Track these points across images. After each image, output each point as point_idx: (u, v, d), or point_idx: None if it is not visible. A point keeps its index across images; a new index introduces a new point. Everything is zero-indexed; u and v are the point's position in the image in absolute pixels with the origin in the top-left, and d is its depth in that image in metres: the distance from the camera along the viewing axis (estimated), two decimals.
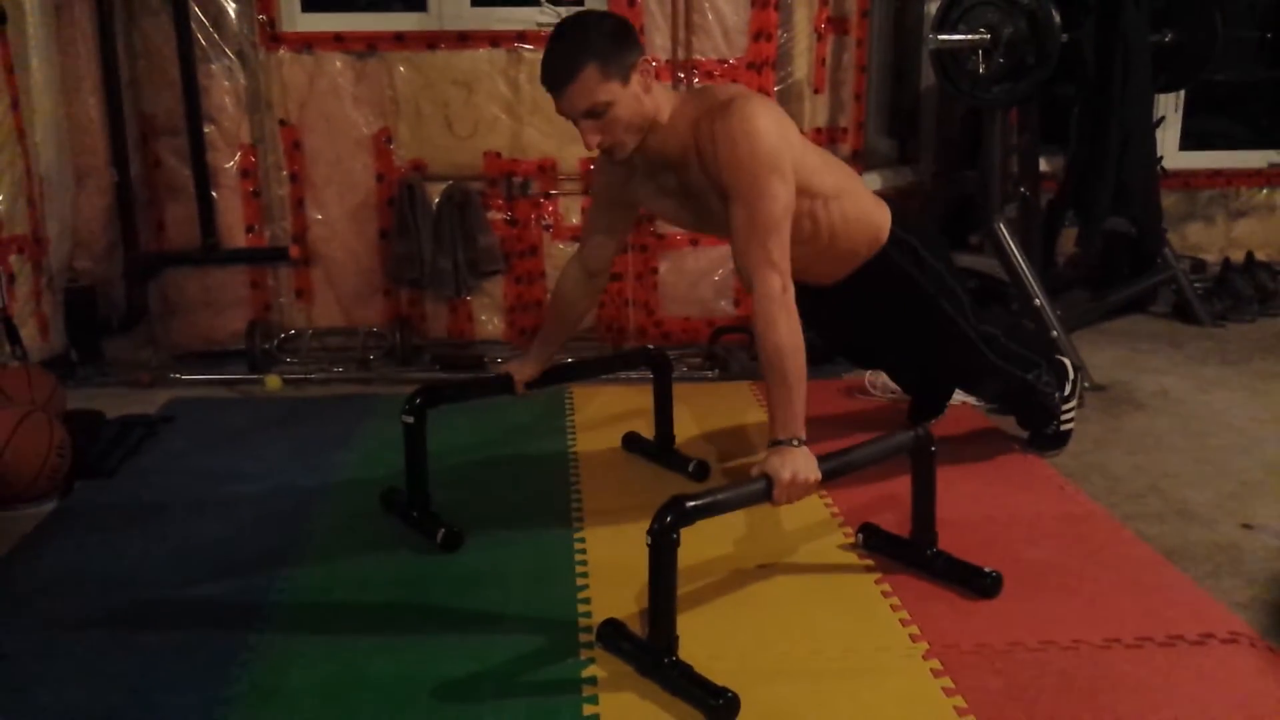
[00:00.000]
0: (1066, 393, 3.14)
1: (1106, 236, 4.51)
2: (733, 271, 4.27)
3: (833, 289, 2.77)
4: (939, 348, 2.93)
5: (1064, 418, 3.15)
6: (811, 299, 2.53)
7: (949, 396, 3.44)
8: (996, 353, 2.94)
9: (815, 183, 2.52)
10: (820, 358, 3.72)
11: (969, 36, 3.85)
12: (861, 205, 2.68)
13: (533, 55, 4.03)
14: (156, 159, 4.03)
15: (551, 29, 2.38)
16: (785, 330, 2.28)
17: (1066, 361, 3.22)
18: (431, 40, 4.01)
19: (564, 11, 4.03)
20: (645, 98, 2.35)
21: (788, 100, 4.21)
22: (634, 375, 3.40)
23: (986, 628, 2.24)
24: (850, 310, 2.65)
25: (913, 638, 2.20)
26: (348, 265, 4.17)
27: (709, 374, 3.98)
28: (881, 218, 2.72)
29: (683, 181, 2.51)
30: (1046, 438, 3.17)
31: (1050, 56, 3.75)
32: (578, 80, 2.27)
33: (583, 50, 2.26)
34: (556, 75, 2.30)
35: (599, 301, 2.93)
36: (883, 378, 3.62)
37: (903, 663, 2.12)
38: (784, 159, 2.35)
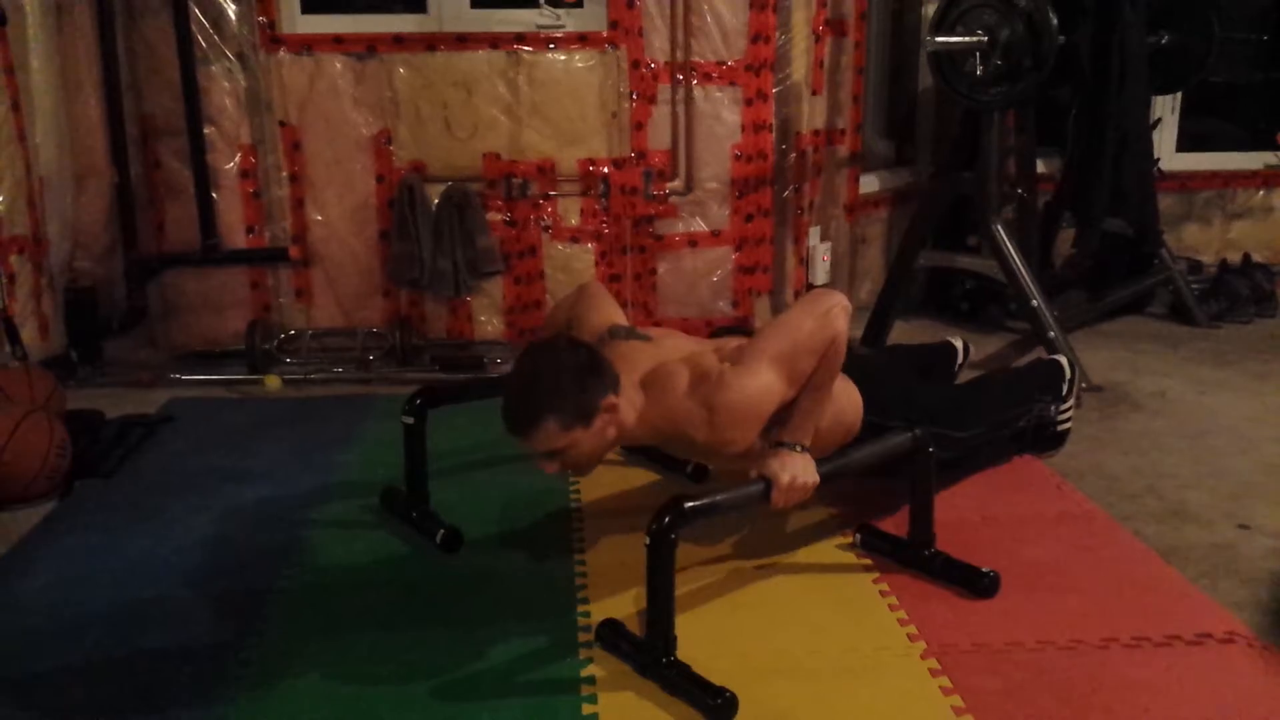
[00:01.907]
0: (1063, 393, 3.15)
1: (1104, 238, 4.51)
2: (731, 272, 4.29)
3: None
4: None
5: (1061, 418, 3.16)
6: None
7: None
8: (984, 437, 2.94)
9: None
10: None
11: (967, 38, 3.85)
12: (837, 404, 2.51)
13: (532, 57, 4.03)
14: (156, 160, 4.03)
15: (515, 365, 2.26)
16: (840, 342, 2.27)
17: (1062, 360, 3.23)
18: (431, 42, 4.02)
19: (563, 13, 4.05)
20: (609, 430, 2.22)
21: (786, 101, 4.22)
22: None
23: (984, 627, 2.24)
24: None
25: (911, 637, 2.21)
26: (347, 266, 4.18)
27: None
28: (853, 411, 2.62)
29: (670, 447, 2.49)
30: (1043, 439, 3.18)
31: (1047, 58, 3.75)
32: (537, 433, 2.15)
33: (542, 405, 2.12)
34: (515, 424, 2.18)
35: None
36: None
37: (901, 662, 2.13)
38: (760, 375, 2.25)
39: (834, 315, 2.26)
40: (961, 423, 2.83)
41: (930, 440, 2.41)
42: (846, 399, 2.57)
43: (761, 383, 2.24)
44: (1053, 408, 3.11)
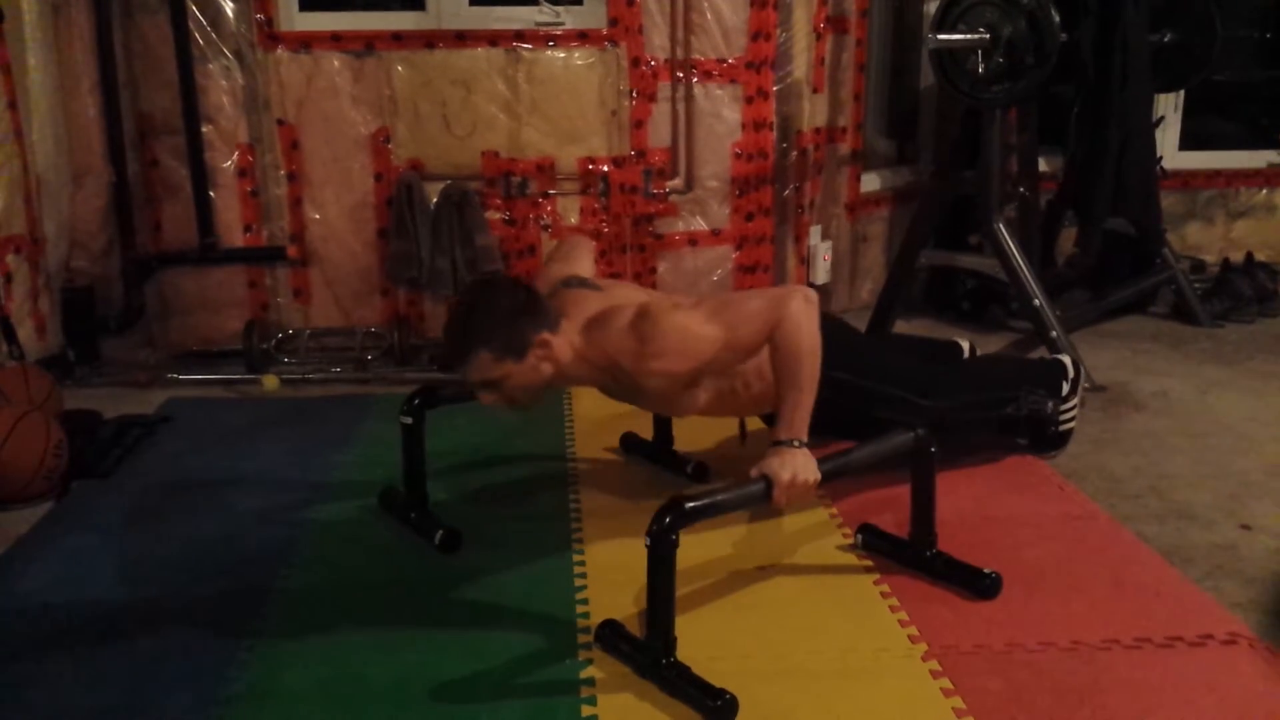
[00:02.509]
0: (1064, 393, 3.13)
1: (1106, 237, 4.50)
2: (731, 271, 4.27)
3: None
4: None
5: (1063, 418, 3.14)
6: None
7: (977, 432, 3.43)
8: (963, 414, 2.95)
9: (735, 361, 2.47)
10: None
11: (968, 36, 3.84)
12: (746, 373, 2.57)
13: (531, 55, 4.02)
14: (154, 158, 4.02)
15: (456, 299, 2.41)
16: (807, 334, 2.29)
17: (1065, 360, 3.21)
18: (429, 39, 4.00)
19: (562, 11, 4.04)
20: (543, 366, 2.33)
21: (787, 100, 4.21)
22: None
23: (986, 629, 2.23)
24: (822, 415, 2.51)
25: (912, 639, 2.20)
26: (346, 265, 4.17)
27: None
28: (761, 384, 2.62)
29: (615, 389, 2.54)
30: (1046, 439, 3.17)
31: (1049, 56, 3.74)
32: (470, 364, 2.30)
33: (476, 337, 2.28)
34: (451, 356, 2.35)
35: None
36: None
37: (902, 664, 2.12)
38: (695, 323, 2.35)
39: (787, 298, 2.30)
40: (929, 393, 2.87)
41: (930, 441, 2.39)
42: (756, 369, 2.56)
43: (694, 323, 2.34)
44: (1050, 404, 3.08)
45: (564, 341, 2.36)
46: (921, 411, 2.82)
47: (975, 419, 3.01)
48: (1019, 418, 3.06)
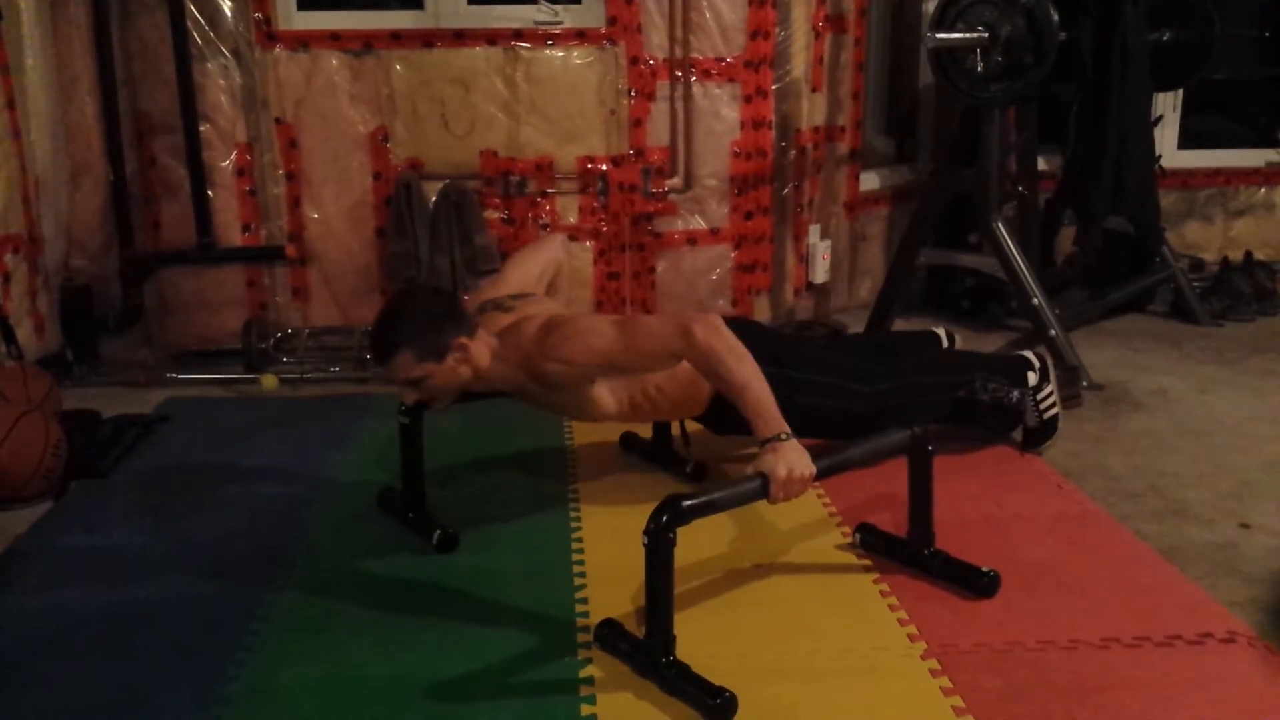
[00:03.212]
0: (1033, 384, 3.12)
1: (1105, 235, 4.50)
2: (730, 270, 4.27)
3: (712, 409, 2.79)
4: (832, 427, 2.89)
5: (1043, 406, 3.13)
6: (711, 421, 2.88)
7: (934, 414, 3.43)
8: (901, 397, 2.95)
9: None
10: None
11: (967, 35, 3.84)
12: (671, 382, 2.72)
13: (530, 54, 4.02)
14: (152, 157, 4.02)
15: (384, 303, 2.59)
16: (724, 349, 2.32)
17: (1027, 355, 3.19)
18: (428, 38, 4.00)
19: (561, 10, 4.04)
20: (462, 368, 2.51)
21: (785, 98, 4.21)
22: None
23: (984, 627, 2.23)
24: (736, 420, 2.50)
25: (911, 637, 2.20)
26: (344, 264, 4.17)
27: None
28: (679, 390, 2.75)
29: (531, 397, 2.68)
30: (1032, 432, 3.16)
31: (1048, 55, 3.74)
32: (393, 363, 2.47)
33: (399, 337, 2.45)
34: (376, 354, 2.54)
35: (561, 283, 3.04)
36: None
37: (901, 662, 2.12)
38: (589, 324, 2.56)
39: (689, 322, 2.37)
40: (869, 378, 2.95)
41: (928, 439, 2.39)
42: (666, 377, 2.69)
43: (596, 323, 2.56)
44: (1015, 393, 3.08)
45: (482, 346, 2.54)
46: (859, 396, 2.90)
47: (923, 401, 3.00)
48: (978, 402, 3.05)
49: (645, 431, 3.15)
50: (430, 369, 2.47)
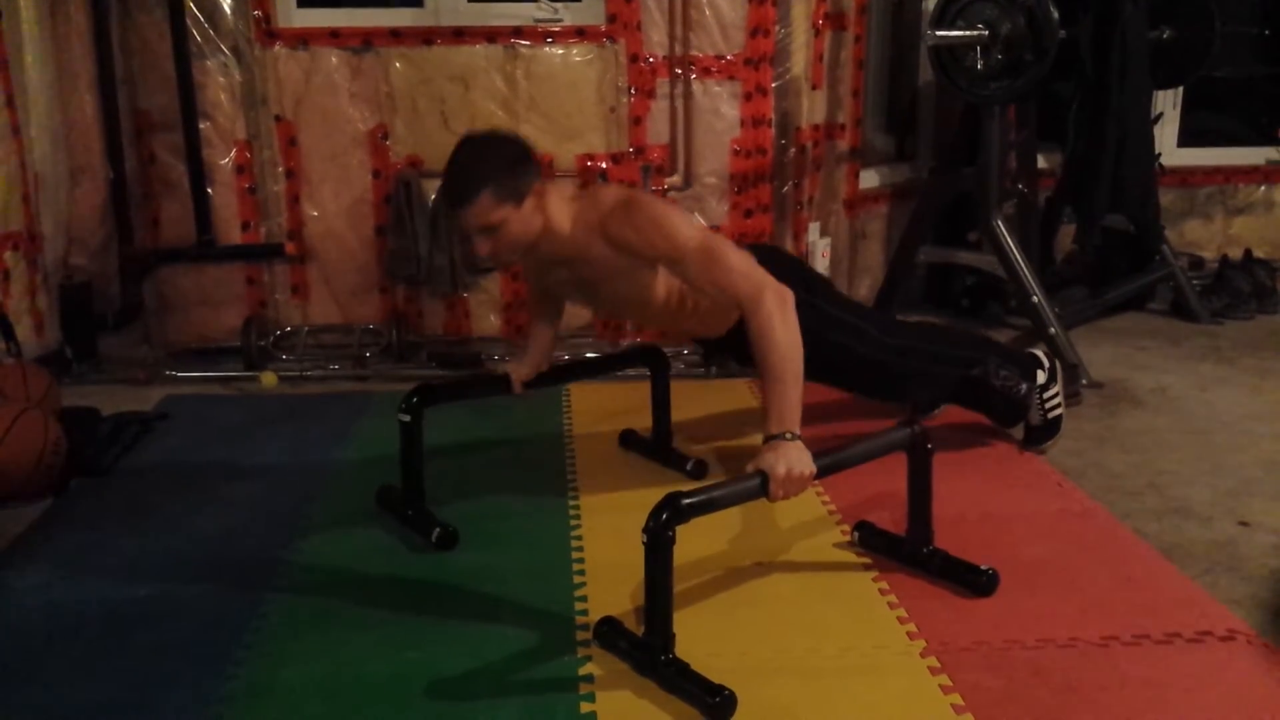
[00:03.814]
0: (1041, 381, 3.13)
1: (1104, 234, 4.50)
2: None
3: (727, 337, 2.82)
4: (845, 373, 2.96)
5: (1049, 405, 3.14)
6: (715, 344, 2.94)
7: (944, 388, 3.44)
8: (916, 360, 2.98)
9: None
10: None
11: (967, 33, 3.84)
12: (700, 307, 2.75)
13: (530, 51, 4.02)
14: (152, 155, 4.02)
15: (457, 144, 2.54)
16: (780, 329, 2.33)
17: (1039, 353, 3.22)
18: (428, 36, 4.00)
19: (560, 7, 4.03)
20: (536, 217, 2.51)
21: (785, 96, 4.21)
22: (631, 373, 3.39)
23: (984, 625, 2.23)
24: (749, 358, 2.59)
25: (910, 635, 2.20)
26: (344, 262, 4.17)
27: (706, 372, 3.98)
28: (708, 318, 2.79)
29: (576, 274, 2.70)
30: (1036, 430, 3.17)
31: (1048, 53, 3.74)
32: (474, 204, 2.43)
33: (479, 176, 2.43)
34: (455, 196, 2.48)
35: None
36: None
37: (900, 660, 2.12)
38: (679, 217, 2.57)
39: (761, 293, 2.38)
40: (892, 332, 2.97)
41: (927, 437, 2.39)
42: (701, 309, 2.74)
43: (683, 223, 2.54)
44: (1023, 386, 3.09)
45: (557, 199, 2.56)
46: (880, 345, 2.91)
47: (934, 371, 3.02)
48: (990, 386, 3.06)
49: (645, 429, 3.15)
50: (507, 213, 2.44)
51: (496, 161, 2.45)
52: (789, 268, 2.59)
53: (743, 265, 2.46)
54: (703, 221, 4.15)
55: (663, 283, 2.66)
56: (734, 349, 2.92)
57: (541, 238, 2.55)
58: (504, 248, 2.52)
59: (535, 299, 3.01)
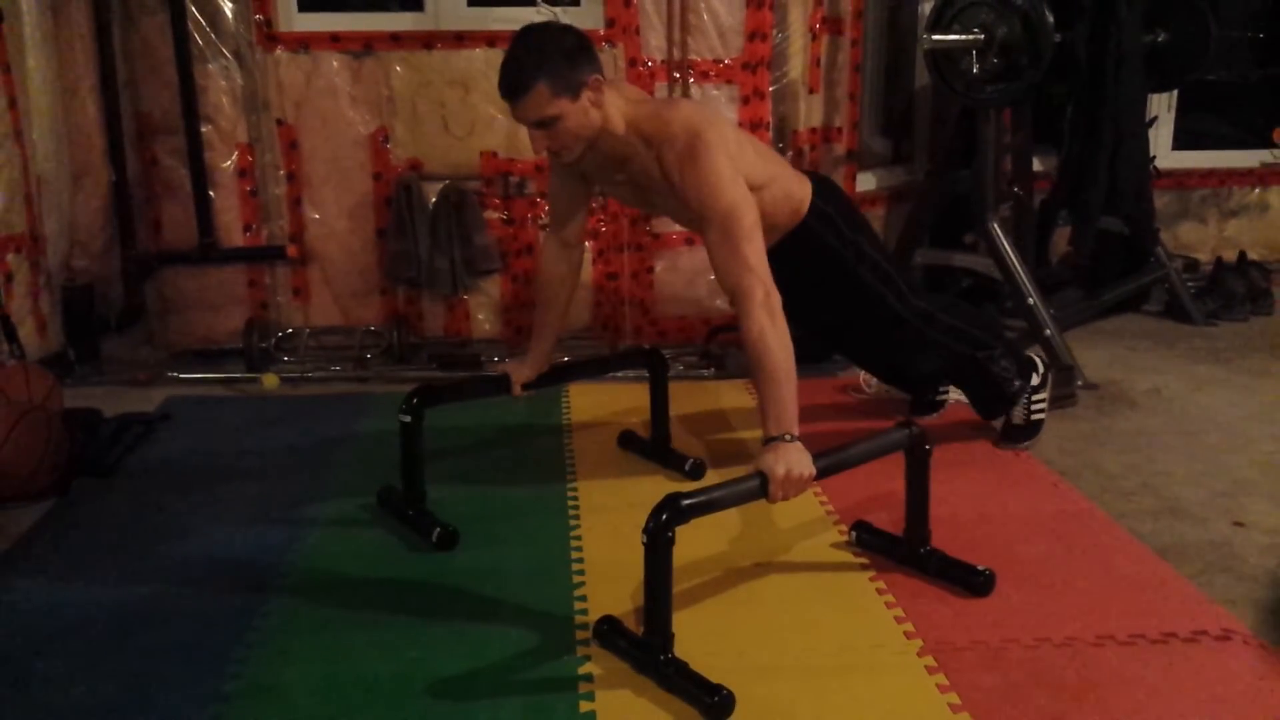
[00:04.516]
0: (1034, 383, 3.16)
1: (1099, 236, 4.52)
2: None
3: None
4: (866, 318, 2.96)
5: (1034, 408, 3.17)
6: None
7: (942, 394, 3.47)
8: (935, 328, 3.00)
9: (753, 178, 2.59)
10: (813, 356, 3.74)
11: (963, 37, 3.86)
12: (788, 186, 2.78)
13: None
14: (154, 158, 4.03)
15: (514, 36, 2.47)
16: (770, 330, 2.33)
17: (1035, 357, 3.25)
18: (428, 40, 4.02)
19: (559, 11, 4.05)
20: (594, 111, 2.46)
21: (783, 100, 4.22)
22: (630, 374, 3.41)
23: (980, 625, 2.25)
24: (780, 282, 2.58)
25: (907, 635, 2.22)
26: (345, 264, 4.18)
27: (705, 373, 3.99)
28: (803, 192, 2.80)
29: (632, 179, 2.65)
30: (1017, 428, 3.20)
31: (1044, 57, 3.76)
32: (530, 95, 2.38)
33: (536, 67, 2.37)
34: (510, 87, 2.42)
35: (579, 280, 3.01)
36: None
37: (897, 660, 2.14)
38: (740, 184, 2.47)
39: (751, 292, 2.35)
40: (914, 290, 2.98)
41: (925, 438, 2.41)
42: (783, 195, 2.73)
43: (731, 175, 2.45)
44: (1016, 384, 3.13)
45: (614, 95, 2.50)
46: (905, 300, 2.91)
47: (948, 343, 3.03)
48: (987, 371, 3.10)
49: (644, 430, 3.17)
50: (564, 106, 2.39)
51: (553, 52, 2.38)
52: (840, 201, 2.62)
53: (752, 259, 2.42)
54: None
55: None
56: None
57: (600, 135, 2.50)
58: (561, 143, 2.46)
59: (542, 297, 2.99)
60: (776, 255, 2.68)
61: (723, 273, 2.45)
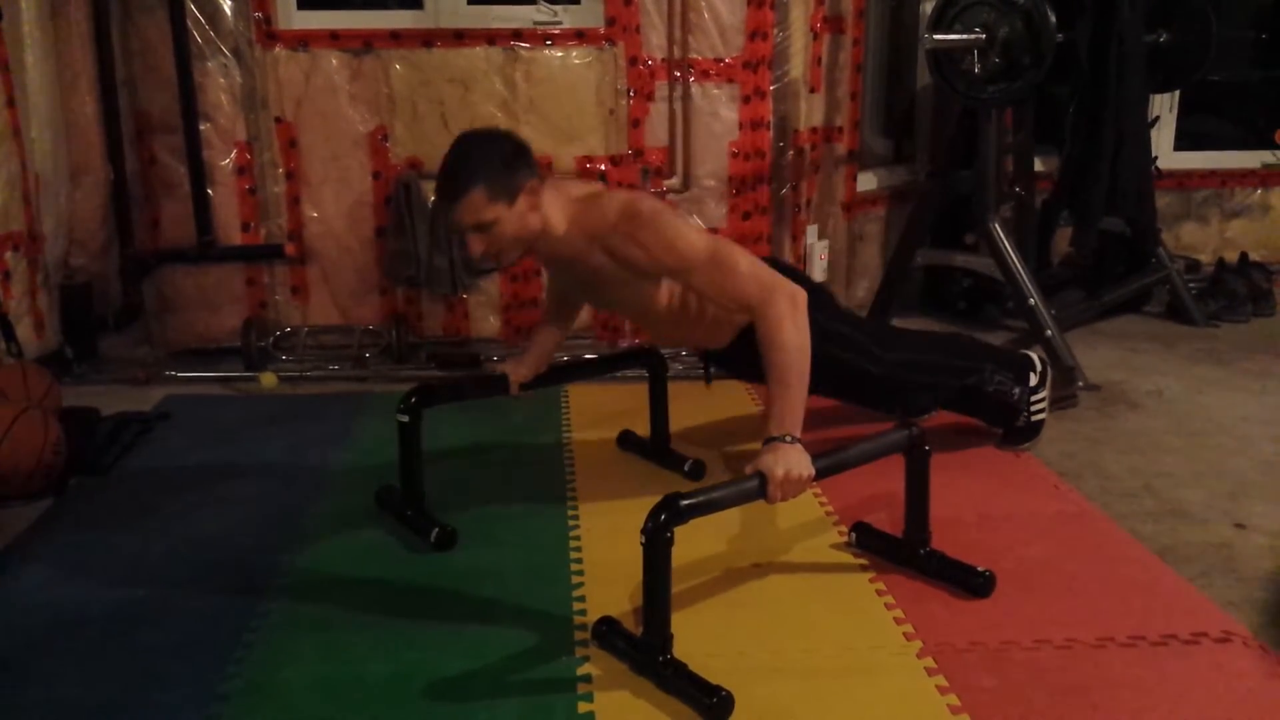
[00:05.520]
0: (1032, 384, 3.15)
1: (1101, 236, 4.52)
2: None
3: (728, 349, 2.83)
4: (844, 387, 2.97)
5: (1034, 409, 3.16)
6: (717, 356, 2.93)
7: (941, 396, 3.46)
8: (919, 373, 2.99)
9: None
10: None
11: (964, 36, 3.85)
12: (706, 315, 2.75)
13: (529, 54, 4.03)
14: (152, 156, 4.03)
15: (454, 141, 2.51)
16: (790, 330, 2.33)
17: (1032, 355, 3.23)
18: (427, 38, 4.01)
19: (560, 10, 4.04)
20: (531, 216, 2.46)
21: (784, 99, 4.22)
22: (629, 374, 3.40)
23: (980, 627, 2.24)
24: (753, 363, 2.56)
25: (906, 636, 2.21)
26: (344, 263, 4.17)
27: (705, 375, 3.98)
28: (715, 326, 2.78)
29: (582, 279, 2.68)
30: (1017, 430, 3.19)
31: (1045, 56, 3.75)
32: (466, 200, 2.39)
33: (472, 173, 2.39)
34: (447, 191, 2.44)
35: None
36: None
37: (897, 661, 2.13)
38: (684, 229, 2.51)
39: (773, 296, 2.38)
40: (886, 343, 2.97)
41: (924, 439, 2.40)
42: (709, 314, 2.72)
43: (689, 233, 2.49)
44: (1016, 390, 3.12)
45: (552, 198, 2.51)
46: (878, 360, 2.91)
47: (934, 381, 3.04)
48: (984, 393, 3.09)
49: (644, 430, 3.16)
50: (500, 211, 2.40)
51: (490, 158, 2.41)
52: (795, 279, 2.57)
53: (752, 268, 2.44)
54: (701, 224, 4.16)
55: (665, 292, 2.64)
56: (735, 361, 2.93)
57: (538, 238, 2.52)
58: (496, 247, 2.48)
59: (551, 301, 3.03)
60: (740, 345, 2.73)
61: (733, 298, 2.45)
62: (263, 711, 1.99)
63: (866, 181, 4.78)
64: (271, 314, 4.18)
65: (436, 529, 2.61)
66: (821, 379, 2.59)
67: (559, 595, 2.38)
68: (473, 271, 4.13)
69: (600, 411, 3.51)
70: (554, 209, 2.51)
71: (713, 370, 3.08)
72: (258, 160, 4.05)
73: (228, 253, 4.09)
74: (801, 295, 2.39)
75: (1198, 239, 5.33)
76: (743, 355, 2.76)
